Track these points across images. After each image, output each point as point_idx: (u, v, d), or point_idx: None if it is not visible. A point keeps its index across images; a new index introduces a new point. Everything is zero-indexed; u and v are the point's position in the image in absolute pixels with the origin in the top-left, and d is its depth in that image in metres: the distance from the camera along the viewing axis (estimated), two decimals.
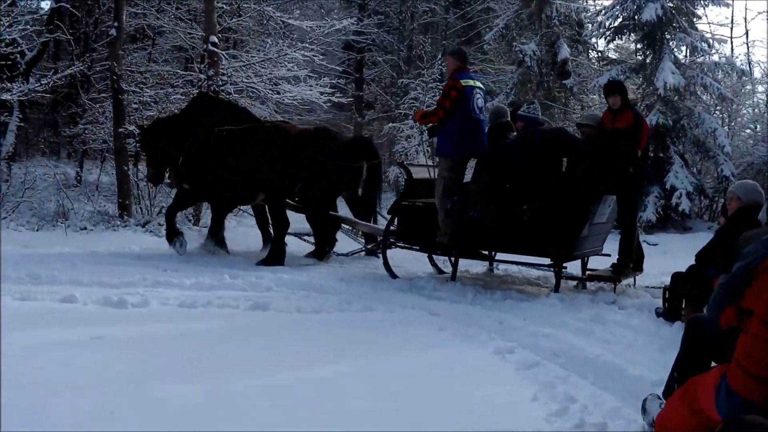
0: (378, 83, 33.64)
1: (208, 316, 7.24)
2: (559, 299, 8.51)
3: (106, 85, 19.46)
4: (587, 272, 10.13)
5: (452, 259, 10.34)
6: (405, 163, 12.75)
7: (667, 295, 8.11)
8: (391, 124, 26.48)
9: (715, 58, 22.09)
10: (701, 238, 8.21)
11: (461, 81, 9.67)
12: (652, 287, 9.67)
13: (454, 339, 6.77)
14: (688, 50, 21.66)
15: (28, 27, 18.26)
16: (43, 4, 26.69)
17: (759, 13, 48.32)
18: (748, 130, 25.19)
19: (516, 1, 25.30)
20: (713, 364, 4.49)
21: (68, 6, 23.08)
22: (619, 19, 21.72)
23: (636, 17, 20.96)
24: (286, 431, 4.32)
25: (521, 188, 9.38)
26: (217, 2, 19.57)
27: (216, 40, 18.62)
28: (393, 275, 10.19)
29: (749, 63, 27.93)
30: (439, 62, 27.16)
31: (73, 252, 11.11)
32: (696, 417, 4.07)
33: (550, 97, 22.99)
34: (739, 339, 3.87)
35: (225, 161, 11.43)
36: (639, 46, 22.74)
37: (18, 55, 19.66)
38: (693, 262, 7.43)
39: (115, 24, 17.23)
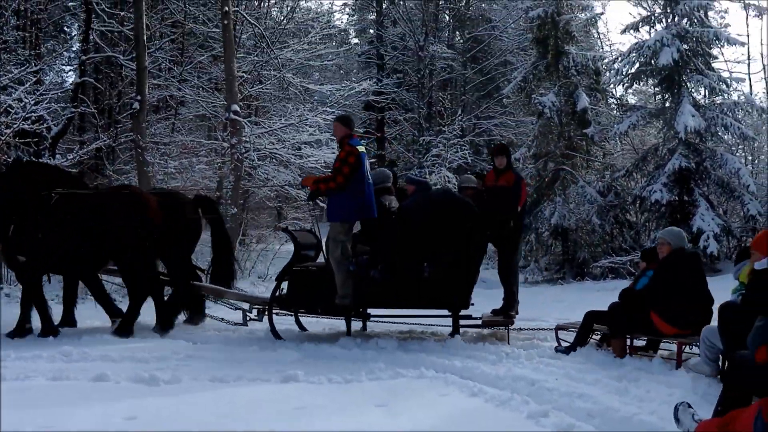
0: (399, 141, 33.81)
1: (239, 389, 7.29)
2: (586, 356, 8.56)
3: (132, 156, 19.64)
4: (482, 319, 10.57)
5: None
6: (289, 228, 12.95)
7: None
8: None
9: (735, 97, 22.18)
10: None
11: (357, 147, 9.97)
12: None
13: (487, 405, 6.63)
14: (706, 91, 21.69)
15: (53, 104, 18.48)
16: (67, 78, 26.97)
17: None
18: None
19: (533, 53, 25.46)
20: (754, 399, 4.72)
21: (92, 80, 23.39)
22: (636, 65, 21.91)
23: (653, 62, 21.10)
24: None
25: (420, 248, 9.99)
26: (238, 71, 19.84)
27: (238, 109, 18.89)
28: (279, 337, 10.27)
29: None
30: (459, 118, 27.38)
31: (103, 326, 11.13)
32: None
33: (572, 146, 23.03)
34: None
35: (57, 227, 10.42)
36: (657, 90, 22.81)
37: (44, 130, 19.91)
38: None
39: (138, 97, 17.51)
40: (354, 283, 9.93)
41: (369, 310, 10.67)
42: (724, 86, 21.42)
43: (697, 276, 8.51)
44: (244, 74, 21.28)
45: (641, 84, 23.81)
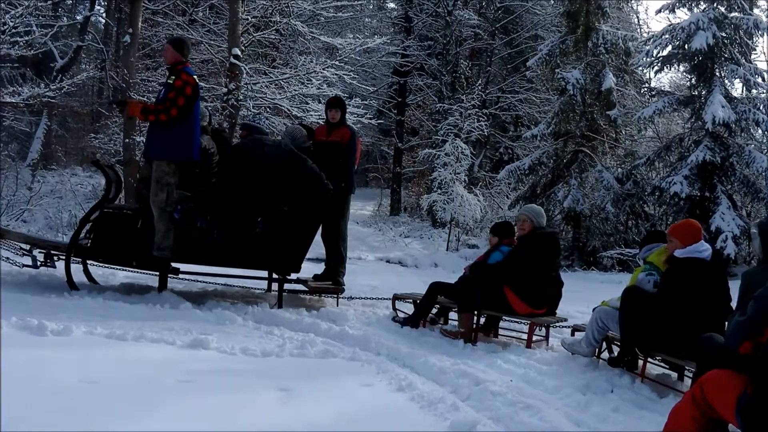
0: (424, 109, 32.65)
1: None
2: (555, 359, 7.40)
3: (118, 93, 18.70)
4: (310, 284, 9.91)
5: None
6: (101, 162, 10.84)
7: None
8: (427, 150, 25.44)
9: None
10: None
11: (193, 76, 8.78)
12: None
13: (411, 406, 5.40)
14: (740, 83, 20.31)
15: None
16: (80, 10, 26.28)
17: None
18: None
19: (562, 26, 24.16)
20: None
21: (101, 15, 22.63)
22: (668, 48, 20.44)
23: (686, 46, 19.69)
24: None
25: (252, 200, 9.06)
26: (243, 15, 18.75)
27: (239, 53, 17.85)
28: (75, 287, 8.79)
29: None
30: (479, 88, 26.22)
31: None
32: (699, 407, 4.41)
33: (593, 128, 21.76)
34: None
35: None
36: (688, 76, 21.44)
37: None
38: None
39: (130, 30, 16.49)
40: (176, 234, 8.76)
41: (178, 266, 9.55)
42: (760, 79, 19.95)
43: (553, 257, 8.47)
44: (253, 18, 20.15)
45: (672, 69, 22.32)
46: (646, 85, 24.93)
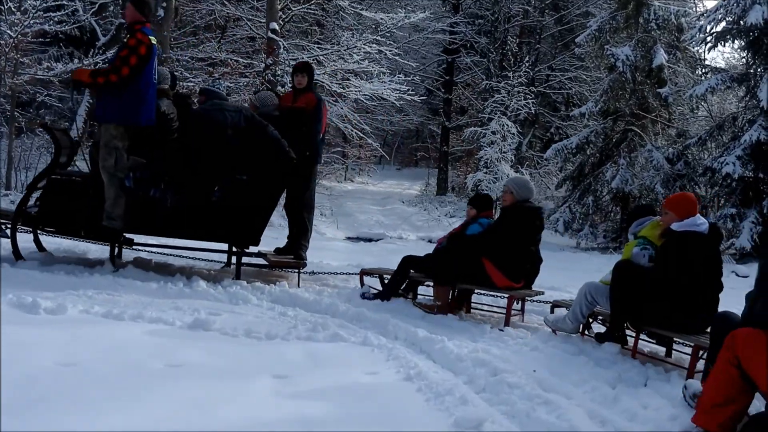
0: (473, 88, 32.09)
1: None
2: (581, 348, 6.75)
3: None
4: (270, 258, 9.46)
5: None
6: (50, 125, 10.21)
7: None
8: (473, 129, 24.91)
9: None
10: None
11: (150, 37, 8.26)
12: None
13: (416, 398, 4.88)
14: None
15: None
16: None
17: None
18: None
19: (613, 3, 23.39)
20: None
21: None
22: (723, 24, 19.58)
23: (741, 21, 18.84)
24: None
25: (212, 169, 8.66)
26: None
27: (276, 27, 17.46)
28: (21, 257, 8.32)
29: None
30: (527, 65, 25.64)
31: None
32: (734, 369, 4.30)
33: (643, 106, 21.03)
34: None
35: None
36: (743, 54, 20.57)
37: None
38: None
39: (164, 4, 16.07)
40: (128, 202, 8.29)
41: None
42: None
43: (534, 231, 8.16)
44: None
45: (726, 45, 21.41)
46: (700, 61, 24.02)
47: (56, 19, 16.77)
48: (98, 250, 9.79)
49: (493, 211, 8.96)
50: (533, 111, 26.14)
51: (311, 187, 9.81)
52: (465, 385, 5.20)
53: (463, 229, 8.67)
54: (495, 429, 4.29)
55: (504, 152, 23.10)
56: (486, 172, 22.88)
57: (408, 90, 20.23)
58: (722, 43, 20.14)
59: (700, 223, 6.35)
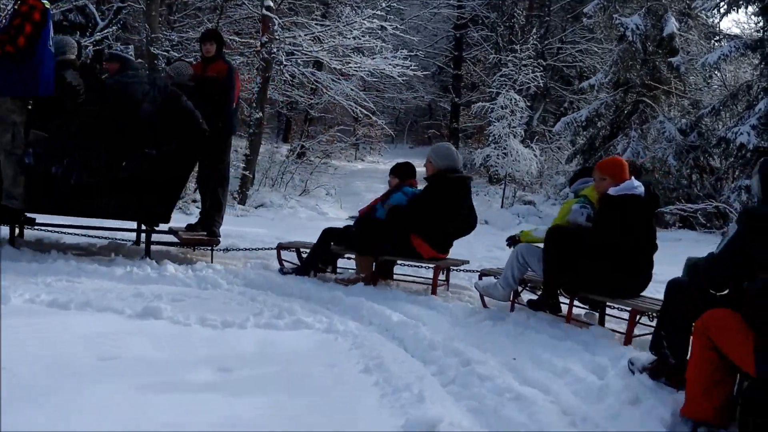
0: (483, 63, 31.50)
1: None
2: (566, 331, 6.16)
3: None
4: (181, 235, 9.05)
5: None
6: None
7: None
8: (480, 104, 24.32)
9: None
10: None
11: (42, 1, 7.64)
12: None
13: (370, 393, 4.41)
14: None
15: None
16: None
17: None
18: None
19: None
20: None
21: None
22: None
23: None
24: None
25: (120, 144, 8.16)
26: None
27: (271, 4, 16.95)
28: None
29: None
30: (534, 37, 25.03)
31: None
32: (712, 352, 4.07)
33: (654, 76, 20.38)
34: None
35: None
36: (757, 19, 19.83)
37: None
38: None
39: None
40: (28, 180, 7.79)
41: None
42: None
43: (460, 201, 7.92)
44: None
45: (739, 11, 20.68)
46: (712, 29, 23.28)
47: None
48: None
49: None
50: (542, 84, 25.51)
51: (225, 159, 9.38)
52: (432, 377, 4.73)
53: (384, 198, 8.42)
54: (451, 430, 3.77)
55: (513, 127, 22.51)
56: (495, 148, 22.32)
57: (411, 65, 19.64)
58: (735, 8, 19.44)
59: (636, 185, 6.22)
